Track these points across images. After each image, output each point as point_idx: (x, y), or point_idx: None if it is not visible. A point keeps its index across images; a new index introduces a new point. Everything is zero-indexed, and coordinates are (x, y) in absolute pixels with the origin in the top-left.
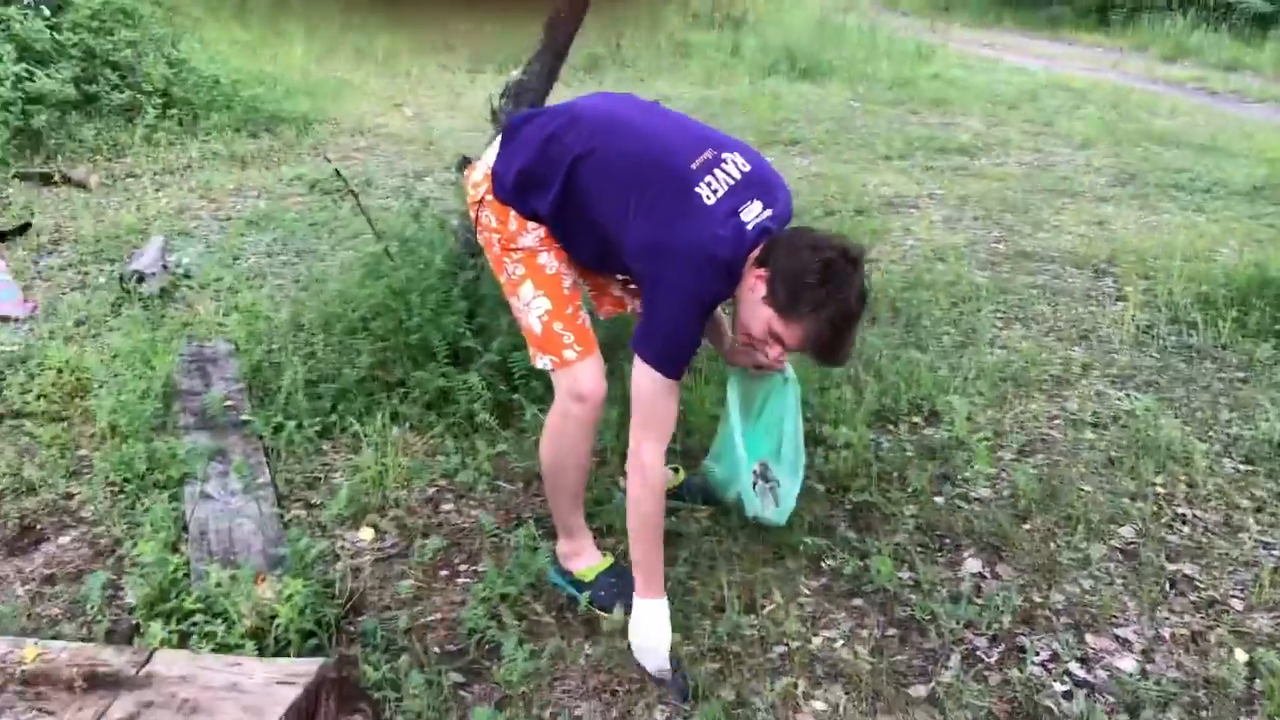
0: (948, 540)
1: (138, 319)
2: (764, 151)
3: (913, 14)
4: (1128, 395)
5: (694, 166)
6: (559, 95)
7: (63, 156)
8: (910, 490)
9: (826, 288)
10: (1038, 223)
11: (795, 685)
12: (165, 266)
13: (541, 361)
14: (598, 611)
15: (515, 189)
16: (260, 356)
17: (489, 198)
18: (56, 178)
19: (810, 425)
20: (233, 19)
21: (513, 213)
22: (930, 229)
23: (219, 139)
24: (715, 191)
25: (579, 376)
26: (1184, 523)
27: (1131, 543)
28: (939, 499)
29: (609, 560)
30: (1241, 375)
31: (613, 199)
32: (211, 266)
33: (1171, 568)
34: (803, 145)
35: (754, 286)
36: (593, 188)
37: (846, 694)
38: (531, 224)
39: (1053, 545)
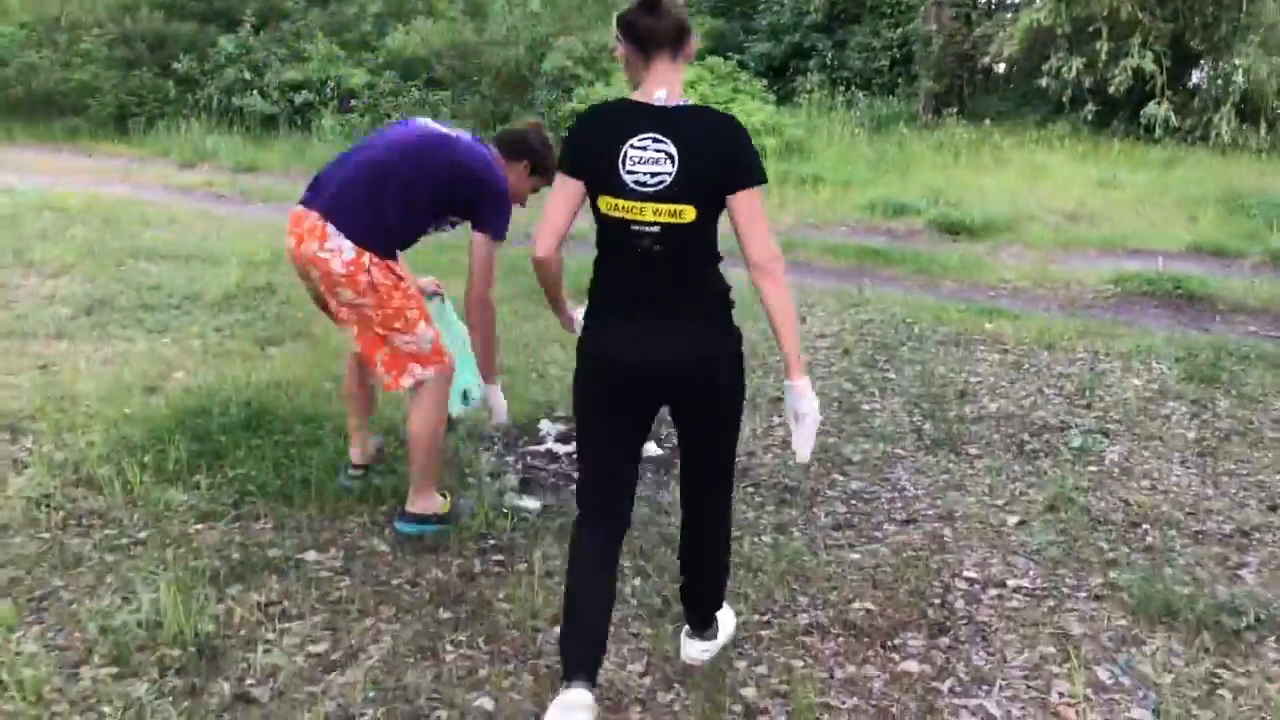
0: None
1: None
2: None
3: None
4: None
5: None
6: None
7: None
8: None
9: None
10: None
11: None
12: None
13: (423, 373)
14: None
15: (394, 241)
16: None
17: (377, 260)
18: None
19: None
20: None
21: (401, 261)
22: None
23: None
24: None
25: (448, 367)
26: None
27: None
28: None
29: (446, 492)
30: (142, 536)
31: (433, 174)
32: None
33: None
34: None
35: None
36: (419, 180)
37: None
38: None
39: None
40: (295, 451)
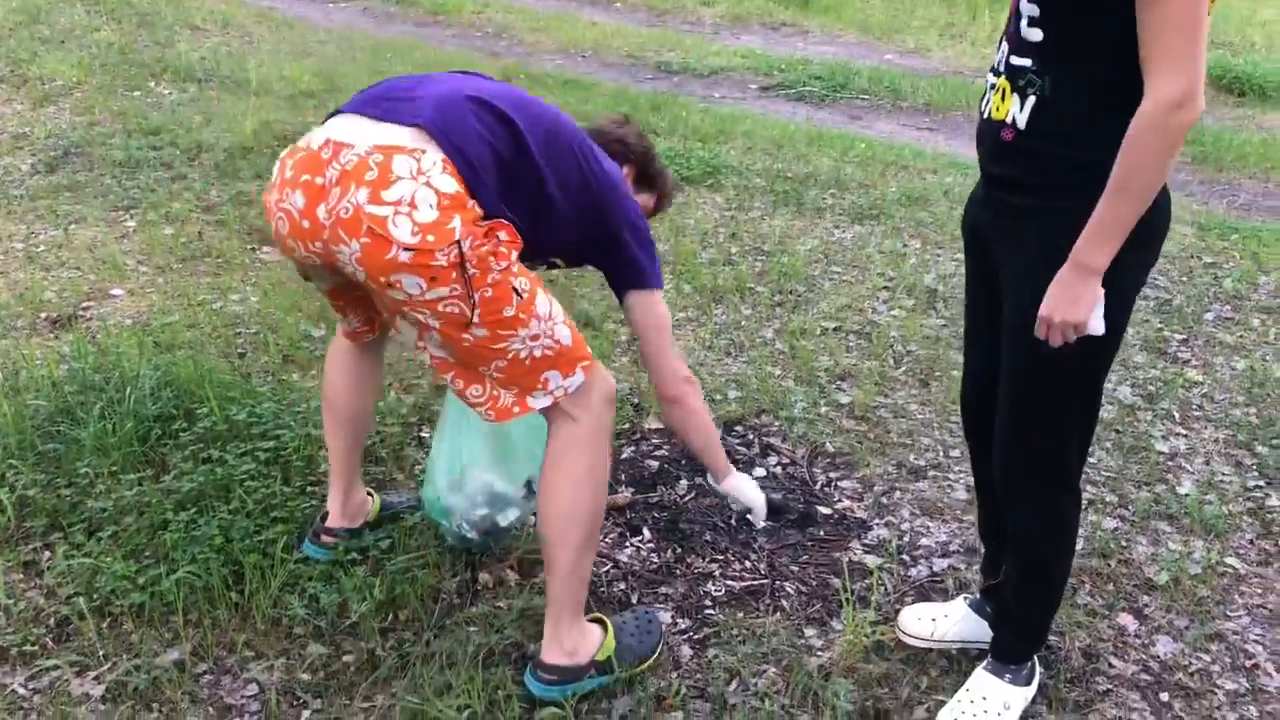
0: None
1: None
2: None
3: None
4: None
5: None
6: None
7: None
8: None
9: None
10: None
11: None
12: None
13: (569, 381)
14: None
15: (495, 192)
16: None
17: (473, 223)
18: None
19: None
20: None
21: (505, 224)
22: None
23: None
24: None
25: (605, 373)
26: None
27: None
28: None
29: (606, 622)
30: None
31: (560, 165)
32: None
33: None
34: None
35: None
36: (545, 165)
37: None
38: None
39: None
40: (220, 500)
